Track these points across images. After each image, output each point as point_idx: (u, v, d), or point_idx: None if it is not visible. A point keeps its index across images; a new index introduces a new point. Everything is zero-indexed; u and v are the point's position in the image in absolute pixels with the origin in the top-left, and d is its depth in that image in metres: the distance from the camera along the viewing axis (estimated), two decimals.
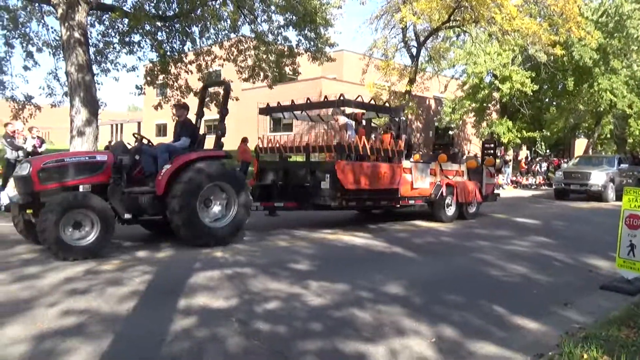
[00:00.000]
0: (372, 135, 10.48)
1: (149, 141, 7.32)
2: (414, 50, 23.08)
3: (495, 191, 12.51)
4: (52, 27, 15.10)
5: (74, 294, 4.37)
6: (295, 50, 15.80)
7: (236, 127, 28.10)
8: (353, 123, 10.18)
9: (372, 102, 10.19)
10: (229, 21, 14.12)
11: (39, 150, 11.52)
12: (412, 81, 22.75)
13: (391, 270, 5.72)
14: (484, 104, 27.69)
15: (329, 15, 15.15)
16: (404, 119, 10.56)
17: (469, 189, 10.73)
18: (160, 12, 13.88)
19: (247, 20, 14.80)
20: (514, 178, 26.44)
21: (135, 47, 14.81)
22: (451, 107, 27.42)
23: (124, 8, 13.28)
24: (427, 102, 32.52)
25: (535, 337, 3.73)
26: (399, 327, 3.80)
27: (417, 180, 9.79)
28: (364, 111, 10.33)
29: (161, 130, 39.02)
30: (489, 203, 12.29)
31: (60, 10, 11.23)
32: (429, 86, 25.63)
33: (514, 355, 3.34)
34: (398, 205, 9.89)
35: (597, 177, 16.91)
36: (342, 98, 8.80)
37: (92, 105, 11.29)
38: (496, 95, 26.86)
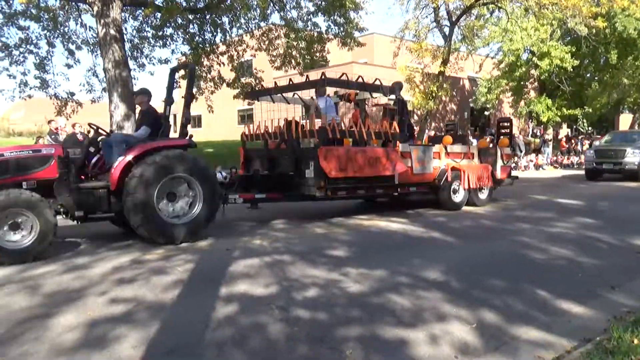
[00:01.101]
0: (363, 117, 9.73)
1: (105, 131, 6.82)
2: (446, 30, 22.53)
3: (513, 173, 11.62)
4: (89, 25, 15.53)
5: (121, 283, 4.54)
6: (325, 36, 15.72)
7: (270, 115, 28.29)
8: (334, 103, 9.42)
9: (376, 80, 8.95)
10: (258, 10, 14.16)
11: None
12: (445, 62, 22.24)
13: (429, 255, 5.68)
14: (522, 82, 26.81)
15: None
16: (401, 98, 9.78)
17: (479, 173, 9.77)
18: (191, 5, 14.03)
19: (277, 7, 14.79)
20: (555, 158, 25.60)
21: (168, 41, 15.08)
22: (487, 87, 26.66)
23: (156, 2, 13.50)
24: (461, 83, 31.76)
25: (581, 322, 3.63)
26: (439, 313, 3.77)
27: (418, 165, 9.02)
28: (357, 91, 9.37)
29: (196, 122, 39.69)
30: (511, 187, 11.51)
31: (95, 8, 11.54)
32: (463, 66, 25.00)
33: (560, 340, 3.27)
34: (396, 194, 9.10)
35: (633, 155, 15.67)
36: (323, 77, 8.18)
37: (130, 100, 11.59)
38: (534, 72, 25.96)
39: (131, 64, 14.03)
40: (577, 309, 3.87)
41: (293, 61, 16.05)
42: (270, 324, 3.54)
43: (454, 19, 21.94)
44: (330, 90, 9.41)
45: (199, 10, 14.24)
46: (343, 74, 8.63)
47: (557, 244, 6.25)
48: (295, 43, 15.58)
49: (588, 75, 28.03)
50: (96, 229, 7.20)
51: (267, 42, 15.94)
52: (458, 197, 9.61)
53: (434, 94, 22.03)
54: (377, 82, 8.79)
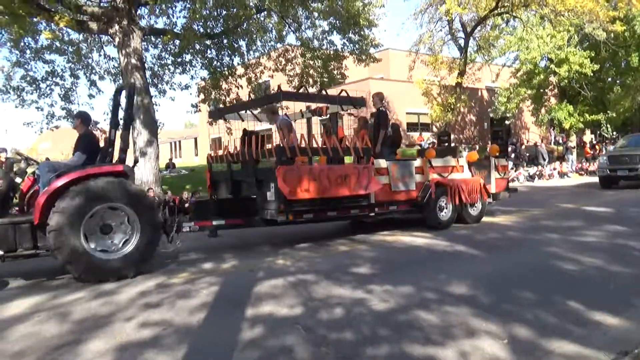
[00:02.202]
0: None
1: (34, 160, 6.49)
2: (461, 42, 22.59)
3: (512, 185, 10.84)
4: (110, 56, 16.04)
5: (148, 307, 4.58)
6: (341, 53, 15.90)
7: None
8: (291, 120, 8.78)
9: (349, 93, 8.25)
10: (274, 32, 14.42)
11: None
12: (462, 73, 22.25)
13: (455, 270, 5.59)
14: (541, 90, 26.53)
15: (372, 15, 15.11)
16: (383, 110, 9.09)
17: (469, 188, 8.95)
18: (208, 31, 14.37)
19: (292, 29, 15.04)
20: (580, 165, 25.09)
21: (187, 67, 15.44)
22: (506, 96, 26.47)
23: (175, 30, 13.88)
24: (480, 94, 31.59)
25: (617, 334, 3.51)
26: (469, 328, 3.69)
27: (397, 181, 8.30)
28: (328, 105, 8.71)
29: (217, 144, 40.26)
30: (511, 199, 10.63)
31: (117, 39, 11.91)
32: (480, 77, 24.90)
33: (596, 353, 3.16)
34: (372, 214, 8.20)
35: None
36: (280, 90, 7.67)
37: (152, 126, 11.86)
38: (553, 79, 25.68)
39: (152, 90, 14.38)
40: (612, 320, 3.74)
41: (310, 80, 16.22)
42: (298, 344, 3.52)
43: (468, 30, 21.95)
44: (303, 106, 9.05)
45: (216, 35, 14.57)
46: (302, 85, 8.17)
47: (588, 253, 6.08)
48: (311, 62, 15.78)
49: (609, 79, 27.58)
50: None
51: (283, 63, 16.17)
52: (445, 215, 8.81)
53: (452, 106, 21.93)
54: (344, 94, 8.16)
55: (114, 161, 6.28)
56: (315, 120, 9.85)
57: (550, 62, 23.83)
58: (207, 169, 8.83)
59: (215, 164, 8.62)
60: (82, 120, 6.64)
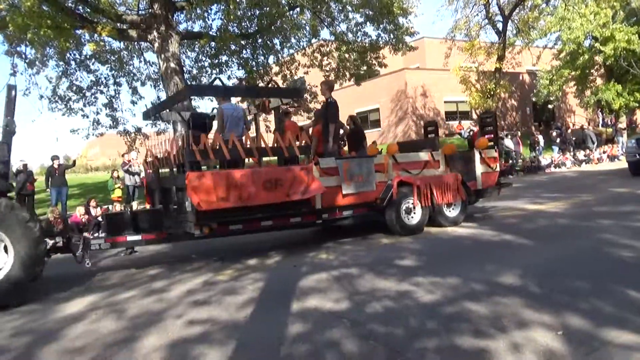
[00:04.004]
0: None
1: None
2: (499, 26, 21.89)
3: (505, 180, 9.69)
4: (150, 62, 16.52)
5: (196, 304, 4.70)
6: (376, 44, 15.77)
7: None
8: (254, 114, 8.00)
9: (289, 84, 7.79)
10: (308, 28, 14.44)
11: None
12: (501, 58, 21.57)
13: (504, 260, 5.44)
14: (586, 71, 25.35)
15: (406, 3, 14.88)
16: (332, 101, 7.74)
17: (442, 186, 7.77)
18: (243, 31, 14.56)
19: (325, 24, 15.01)
20: None
21: (224, 67, 15.70)
22: (548, 79, 25.48)
23: (210, 33, 14.13)
24: (521, 78, 30.56)
25: None
26: (520, 320, 3.58)
27: (350, 182, 7.19)
28: (269, 99, 7.97)
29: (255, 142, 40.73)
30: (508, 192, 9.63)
31: (156, 45, 12.24)
32: (520, 61, 24.07)
33: None
34: (320, 221, 7.23)
35: None
36: (185, 85, 6.94)
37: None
38: (599, 58, 24.49)
39: None
40: None
41: (348, 73, 16.16)
42: (345, 338, 3.52)
43: (506, 13, 21.24)
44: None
45: (251, 35, 14.73)
46: (215, 78, 7.25)
47: None
48: (347, 55, 15.71)
49: None
50: (174, 254, 7.54)
51: (319, 59, 16.17)
52: (414, 218, 7.65)
53: (491, 92, 21.32)
54: (273, 85, 7.33)
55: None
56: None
57: (594, 41, 22.74)
58: (144, 177, 7.86)
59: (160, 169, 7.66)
60: None
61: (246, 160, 7.14)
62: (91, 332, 4.11)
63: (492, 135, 9.05)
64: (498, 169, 8.93)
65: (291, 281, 5.25)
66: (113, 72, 15.60)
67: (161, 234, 6.76)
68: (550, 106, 30.23)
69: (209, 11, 14.57)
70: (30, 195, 12.49)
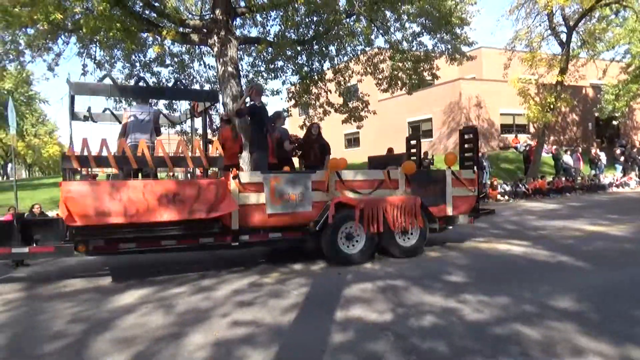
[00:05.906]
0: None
1: None
2: (563, 37, 20.93)
3: (485, 206, 8.60)
4: (210, 65, 17.07)
5: (242, 305, 4.78)
6: (432, 54, 15.57)
7: (376, 138, 28.43)
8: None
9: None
10: (362, 36, 14.45)
11: None
12: (563, 70, 20.60)
13: (559, 281, 5.20)
14: None
15: (465, 13, 14.60)
16: (261, 105, 7.35)
17: (394, 210, 6.75)
18: (299, 37, 14.76)
19: (381, 32, 14.98)
20: None
21: (279, 73, 15.97)
22: (614, 94, 24.18)
23: (268, 38, 14.43)
24: (584, 92, 29.18)
25: None
26: (575, 346, 3.41)
27: (278, 201, 6.35)
28: (197, 103, 7.31)
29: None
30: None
31: (215, 49, 12.64)
32: (584, 74, 22.97)
33: None
34: (236, 243, 6.33)
35: None
36: (67, 81, 5.94)
37: (247, 131, 12.38)
38: None
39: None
40: None
41: (400, 82, 16.04)
42: (387, 352, 3.47)
43: (571, 24, 20.36)
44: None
45: (307, 41, 14.91)
46: (105, 75, 6.58)
47: None
48: (400, 64, 15.59)
49: None
50: (220, 254, 7.71)
51: (372, 67, 16.14)
52: (355, 247, 6.67)
53: (551, 106, 20.46)
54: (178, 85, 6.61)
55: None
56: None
57: None
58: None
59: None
60: None
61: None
62: (141, 325, 4.27)
63: (471, 154, 7.98)
64: (476, 192, 7.87)
65: (335, 289, 5.24)
66: (175, 74, 16.21)
67: (50, 248, 6.04)
68: (614, 122, 28.68)
69: (268, 17, 14.89)
70: None
